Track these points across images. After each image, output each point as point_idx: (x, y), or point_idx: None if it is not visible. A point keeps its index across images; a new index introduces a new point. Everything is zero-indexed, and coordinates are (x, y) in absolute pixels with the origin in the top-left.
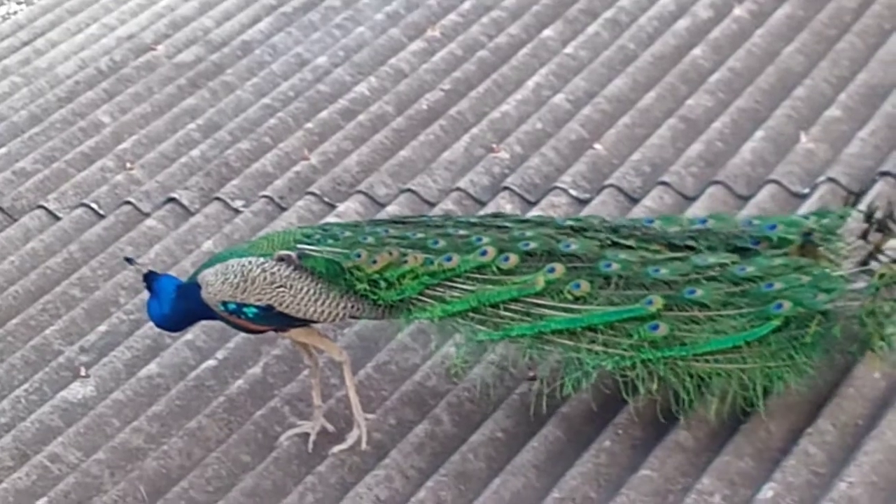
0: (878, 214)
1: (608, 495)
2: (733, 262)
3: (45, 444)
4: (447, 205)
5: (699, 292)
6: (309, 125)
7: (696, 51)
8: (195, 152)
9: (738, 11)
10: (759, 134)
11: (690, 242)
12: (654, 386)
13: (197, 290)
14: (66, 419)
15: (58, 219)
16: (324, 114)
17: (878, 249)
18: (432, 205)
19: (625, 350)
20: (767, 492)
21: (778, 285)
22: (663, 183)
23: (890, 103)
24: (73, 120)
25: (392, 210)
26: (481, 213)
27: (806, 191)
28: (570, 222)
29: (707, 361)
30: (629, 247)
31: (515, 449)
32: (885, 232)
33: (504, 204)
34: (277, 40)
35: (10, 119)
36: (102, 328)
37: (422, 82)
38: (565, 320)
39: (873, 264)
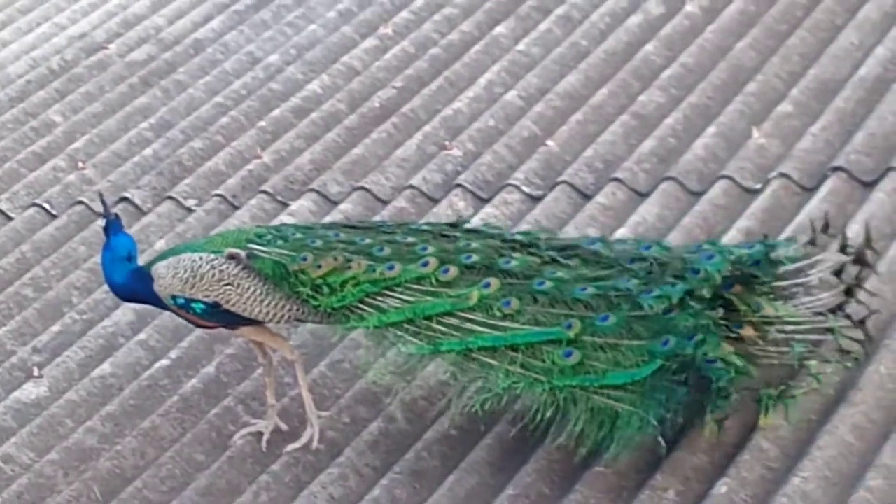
0: (852, 245)
1: (562, 492)
2: (647, 284)
3: None
4: (400, 203)
5: (611, 319)
6: (261, 123)
7: (648, 47)
8: (147, 151)
9: (689, 7)
10: (711, 129)
11: (626, 265)
12: (550, 413)
13: (150, 280)
14: (18, 420)
15: (10, 219)
16: (276, 112)
17: (858, 284)
18: (385, 202)
19: (538, 374)
20: (721, 487)
21: (674, 313)
22: (616, 179)
23: (841, 98)
24: (25, 119)
25: (345, 208)
26: (434, 210)
27: (758, 186)
28: (518, 237)
29: (603, 395)
30: (568, 266)
31: (469, 446)
32: (863, 265)
33: (457, 201)
34: (229, 38)
35: None
36: (55, 328)
37: (374, 80)
38: (491, 337)
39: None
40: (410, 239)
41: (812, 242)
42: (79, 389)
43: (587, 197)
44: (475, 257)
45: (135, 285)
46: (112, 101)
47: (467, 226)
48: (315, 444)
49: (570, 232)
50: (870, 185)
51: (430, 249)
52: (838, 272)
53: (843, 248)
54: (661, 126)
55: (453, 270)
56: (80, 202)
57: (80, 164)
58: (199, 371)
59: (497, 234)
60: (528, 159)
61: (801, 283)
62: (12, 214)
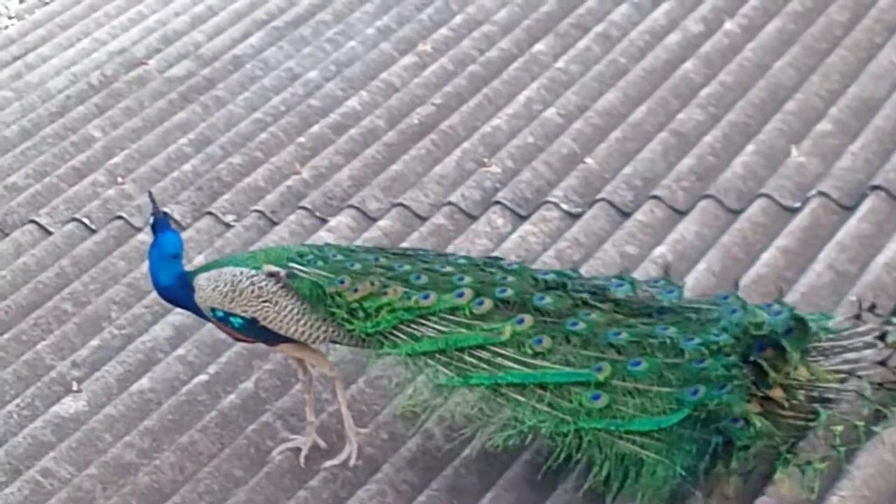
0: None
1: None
2: (686, 332)
3: (37, 458)
4: (438, 219)
5: (643, 365)
6: (300, 139)
7: (688, 65)
8: (186, 167)
9: (728, 25)
10: (750, 148)
11: (661, 314)
12: (577, 456)
13: (192, 290)
14: (57, 434)
15: (49, 233)
16: (315, 128)
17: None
18: (423, 219)
19: (565, 413)
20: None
21: (706, 363)
22: (655, 197)
23: (880, 117)
24: (65, 134)
25: (383, 224)
26: (472, 226)
27: (797, 205)
28: (552, 276)
29: (629, 441)
30: (601, 309)
31: (507, 463)
32: None
33: (495, 218)
34: (269, 55)
35: (2, 134)
36: (94, 343)
37: (413, 97)
38: (521, 374)
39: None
40: (448, 269)
41: (857, 317)
42: (117, 404)
43: (626, 214)
44: (509, 291)
45: (178, 290)
46: (151, 116)
47: (503, 263)
48: (353, 460)
49: (608, 250)
50: None
51: (466, 280)
52: (882, 336)
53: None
54: (699, 144)
55: (487, 303)
56: (120, 217)
57: (120, 180)
58: (237, 386)
59: (531, 273)
60: (567, 176)
61: (841, 349)
62: (52, 229)
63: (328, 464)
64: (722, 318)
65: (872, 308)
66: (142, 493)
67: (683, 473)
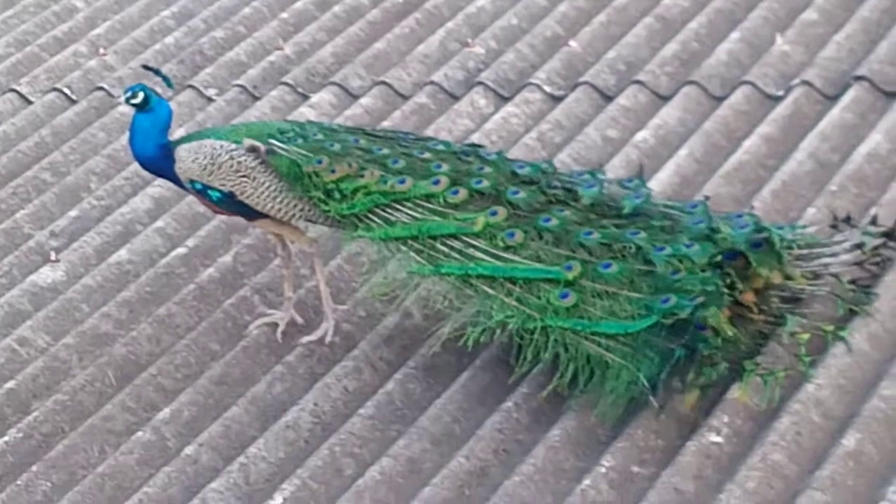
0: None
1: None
2: (658, 240)
3: (13, 327)
4: (421, 98)
5: (613, 268)
6: (283, 15)
7: None
8: (169, 39)
9: None
10: (735, 35)
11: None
12: (545, 355)
13: (174, 160)
14: (35, 303)
15: (30, 103)
16: (298, 4)
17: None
18: (406, 98)
19: (532, 310)
20: (735, 392)
21: (681, 274)
22: (638, 82)
23: (866, 7)
24: (47, 4)
25: (365, 102)
26: (455, 106)
27: (780, 93)
28: (528, 170)
29: (594, 343)
30: (576, 208)
31: (484, 344)
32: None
33: (478, 99)
34: None
35: None
36: (73, 213)
37: None
38: (492, 267)
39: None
40: (426, 155)
41: (833, 227)
42: (95, 275)
43: (608, 98)
44: (485, 183)
45: (161, 160)
46: None
47: (482, 152)
48: (330, 336)
49: (590, 133)
50: (892, 96)
51: (444, 168)
52: (860, 245)
53: (869, 231)
54: (684, 30)
55: (462, 193)
56: (101, 88)
57: (101, 51)
58: (215, 260)
59: (508, 165)
60: (550, 59)
61: (814, 256)
62: (32, 98)
63: (305, 339)
64: (688, 227)
65: (848, 219)
66: (118, 363)
67: (645, 382)
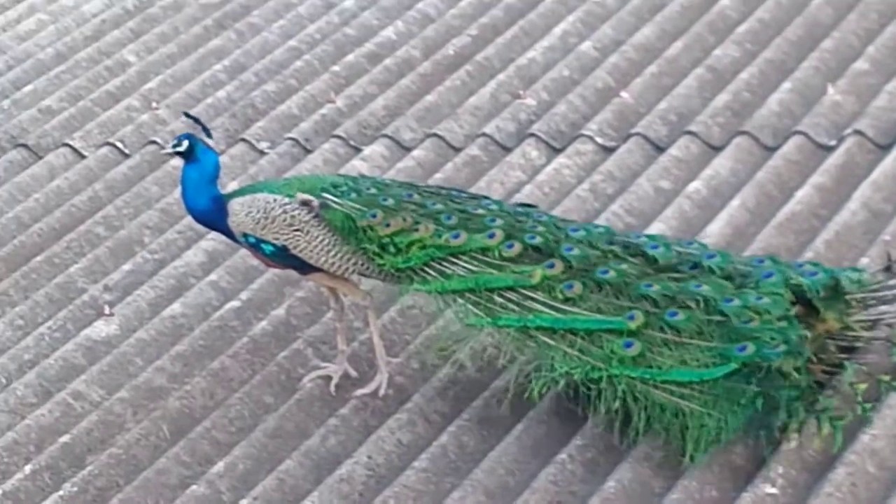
0: None
1: (629, 443)
2: (724, 292)
3: (68, 381)
4: (473, 150)
5: (680, 316)
6: (335, 68)
7: (725, 0)
8: (221, 93)
9: None
10: (787, 85)
11: (692, 271)
12: (614, 405)
13: (226, 214)
14: (89, 357)
15: (83, 157)
16: (350, 57)
17: None
18: (458, 150)
19: (596, 360)
20: (792, 442)
21: (754, 324)
22: (689, 132)
23: None
24: (99, 59)
25: (417, 154)
26: (507, 158)
27: (832, 143)
28: (582, 233)
29: (667, 392)
30: (631, 262)
31: (546, 392)
32: None
33: (530, 151)
34: None
35: (37, 56)
36: (126, 267)
37: (448, 27)
38: (551, 319)
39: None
40: (479, 211)
41: (888, 269)
42: (149, 329)
43: (660, 149)
44: (539, 239)
45: (213, 213)
46: (186, 42)
47: (534, 212)
48: (384, 389)
49: (642, 185)
50: None
51: (498, 223)
52: None
53: None
54: (735, 81)
55: (517, 247)
56: (153, 142)
57: (154, 105)
58: (269, 313)
59: (561, 227)
60: (602, 110)
61: (873, 301)
62: (85, 153)
63: (359, 392)
64: (758, 280)
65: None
66: (172, 417)
67: (735, 427)
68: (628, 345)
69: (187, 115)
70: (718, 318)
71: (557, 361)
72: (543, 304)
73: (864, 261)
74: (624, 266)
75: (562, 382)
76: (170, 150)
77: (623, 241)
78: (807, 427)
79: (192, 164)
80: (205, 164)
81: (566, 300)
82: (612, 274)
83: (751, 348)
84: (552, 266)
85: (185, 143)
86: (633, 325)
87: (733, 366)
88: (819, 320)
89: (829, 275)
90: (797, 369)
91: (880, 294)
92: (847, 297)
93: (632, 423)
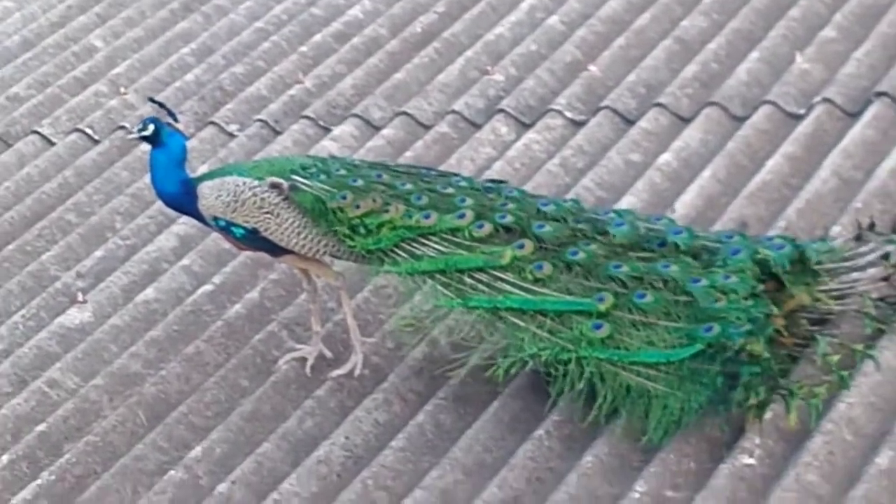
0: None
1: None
2: (691, 272)
3: (43, 369)
4: (442, 127)
5: (648, 297)
6: (303, 49)
7: None
8: (189, 77)
9: None
10: (755, 55)
11: (660, 249)
12: (580, 385)
13: (196, 197)
14: (63, 345)
15: (52, 144)
16: (317, 37)
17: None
18: (427, 127)
19: (566, 342)
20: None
21: (720, 304)
22: (659, 104)
23: (885, 23)
24: (66, 45)
25: (387, 133)
26: (476, 135)
27: (801, 111)
28: (552, 207)
29: (633, 373)
30: (601, 241)
31: (514, 373)
32: None
33: (499, 126)
34: None
35: (3, 44)
36: (98, 253)
37: (415, 5)
38: (521, 300)
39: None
40: (449, 190)
41: (859, 237)
42: (123, 315)
43: (630, 122)
44: (509, 218)
45: (182, 197)
46: (153, 26)
47: (505, 189)
48: (359, 369)
49: (613, 158)
50: None
51: (468, 202)
52: (886, 256)
53: (893, 239)
54: (703, 51)
55: (487, 227)
56: (122, 127)
57: (122, 90)
58: (242, 296)
59: (531, 202)
60: (571, 84)
61: (844, 270)
62: (54, 140)
63: (334, 373)
64: (725, 257)
65: (872, 227)
66: (148, 403)
67: (697, 408)
68: (597, 326)
69: (152, 100)
70: (685, 298)
71: (527, 342)
72: (513, 284)
73: (835, 229)
74: (593, 247)
75: (529, 362)
76: (135, 135)
77: (589, 218)
78: (778, 402)
79: (159, 148)
80: (172, 147)
81: (536, 281)
82: (581, 255)
83: (716, 329)
84: (522, 246)
85: (151, 128)
86: (602, 307)
87: (699, 346)
88: (787, 295)
89: (794, 247)
90: (762, 347)
91: (851, 262)
92: (814, 268)
93: (596, 404)
